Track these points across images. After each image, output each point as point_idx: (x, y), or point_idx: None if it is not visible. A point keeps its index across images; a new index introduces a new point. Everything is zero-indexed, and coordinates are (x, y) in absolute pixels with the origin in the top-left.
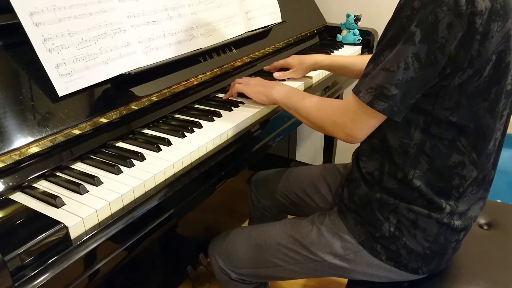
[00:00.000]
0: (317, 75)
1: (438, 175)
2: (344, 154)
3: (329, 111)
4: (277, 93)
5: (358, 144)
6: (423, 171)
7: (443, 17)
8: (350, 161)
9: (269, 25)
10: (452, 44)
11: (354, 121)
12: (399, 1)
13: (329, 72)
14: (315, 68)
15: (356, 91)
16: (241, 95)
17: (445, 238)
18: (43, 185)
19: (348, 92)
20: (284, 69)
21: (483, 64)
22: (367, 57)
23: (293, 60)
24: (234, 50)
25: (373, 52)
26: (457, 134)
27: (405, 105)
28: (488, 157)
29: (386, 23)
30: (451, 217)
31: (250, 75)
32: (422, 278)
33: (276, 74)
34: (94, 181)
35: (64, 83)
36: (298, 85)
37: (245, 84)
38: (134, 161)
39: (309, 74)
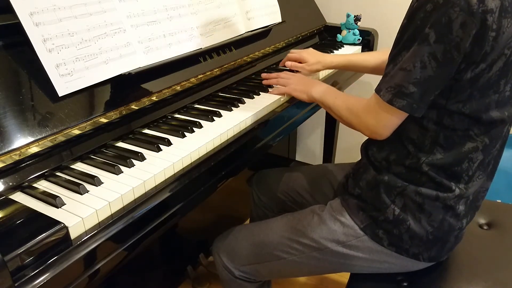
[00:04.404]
0: (322, 72)
1: (451, 162)
2: (344, 154)
3: (355, 111)
4: (315, 92)
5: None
6: (436, 159)
7: (456, 17)
8: (350, 162)
9: (269, 25)
10: (467, 42)
11: (377, 119)
12: (412, 4)
13: (331, 71)
14: (330, 67)
15: (377, 90)
16: (241, 93)
17: (449, 224)
18: (43, 185)
19: (348, 92)
20: None
21: (495, 58)
22: (379, 53)
23: (309, 56)
24: (234, 50)
25: (389, 52)
26: (470, 124)
27: (425, 102)
28: (494, 141)
29: (386, 23)
30: (458, 201)
31: (250, 75)
32: (421, 277)
33: (288, 64)
34: (94, 181)
35: (64, 83)
36: None
37: (286, 84)
38: (134, 161)
39: None
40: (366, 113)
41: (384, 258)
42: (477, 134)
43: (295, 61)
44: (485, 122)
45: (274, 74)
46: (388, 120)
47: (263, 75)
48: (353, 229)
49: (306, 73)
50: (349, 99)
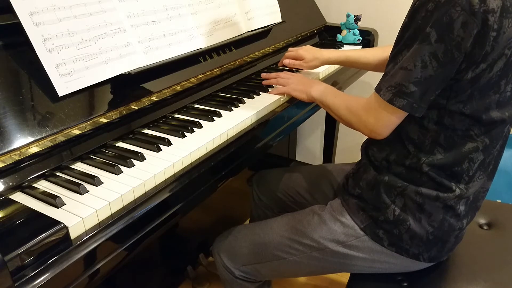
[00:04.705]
0: (323, 71)
1: (451, 162)
2: (344, 154)
3: (355, 110)
4: (315, 91)
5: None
6: (437, 159)
7: (458, 16)
8: (350, 162)
9: (269, 25)
10: (468, 42)
11: (377, 118)
12: (413, 4)
13: (332, 70)
14: (328, 63)
15: (377, 89)
16: (241, 93)
17: (449, 224)
18: (43, 185)
19: (348, 92)
20: None
21: (496, 58)
22: (379, 50)
23: (306, 53)
24: (234, 50)
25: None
26: (470, 124)
27: (425, 101)
28: (494, 142)
29: (386, 23)
30: (458, 201)
31: (250, 75)
32: (421, 277)
33: (286, 61)
34: (94, 181)
35: (64, 83)
36: None
37: (285, 84)
38: (134, 161)
39: (316, 70)
40: (366, 112)
41: (384, 258)
42: (477, 134)
43: (293, 59)
44: (485, 122)
45: (273, 74)
46: (387, 120)
47: (263, 75)
48: (353, 229)
49: (305, 70)
50: (349, 99)
